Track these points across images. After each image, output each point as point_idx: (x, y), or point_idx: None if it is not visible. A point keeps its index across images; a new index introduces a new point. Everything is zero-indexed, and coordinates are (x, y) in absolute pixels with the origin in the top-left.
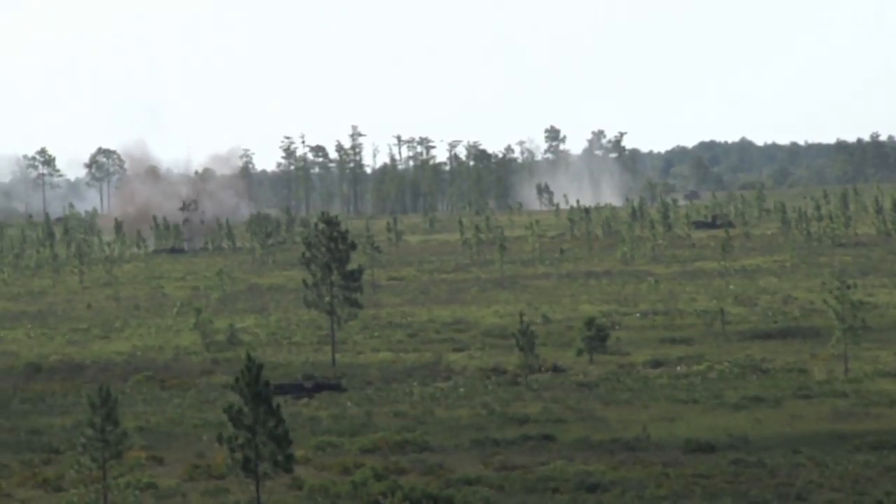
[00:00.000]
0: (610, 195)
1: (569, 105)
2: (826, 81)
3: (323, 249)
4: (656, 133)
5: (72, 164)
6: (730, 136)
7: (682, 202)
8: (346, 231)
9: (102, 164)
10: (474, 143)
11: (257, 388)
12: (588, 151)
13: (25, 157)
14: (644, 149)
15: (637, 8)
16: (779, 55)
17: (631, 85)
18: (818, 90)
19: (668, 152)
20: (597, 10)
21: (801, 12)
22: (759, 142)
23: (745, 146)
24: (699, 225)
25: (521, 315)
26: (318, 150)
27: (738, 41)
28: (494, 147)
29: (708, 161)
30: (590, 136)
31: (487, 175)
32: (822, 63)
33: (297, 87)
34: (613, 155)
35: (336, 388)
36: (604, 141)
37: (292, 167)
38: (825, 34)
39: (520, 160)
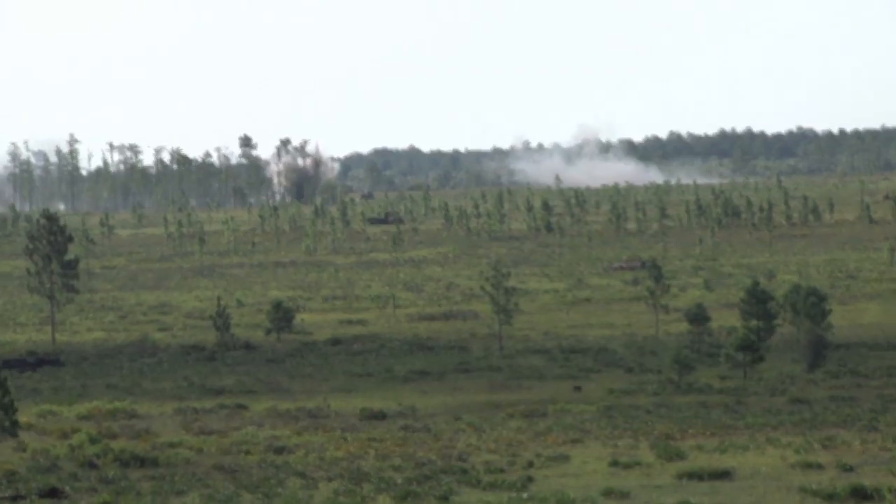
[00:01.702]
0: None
1: (260, 114)
2: (472, 93)
3: (44, 242)
4: (336, 140)
5: None
6: (400, 143)
7: (358, 201)
8: (65, 226)
9: None
10: (177, 148)
11: None
12: (275, 157)
13: None
14: (325, 154)
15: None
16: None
17: (312, 96)
18: (470, 102)
19: (346, 157)
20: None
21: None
22: (426, 149)
23: (413, 153)
24: (373, 221)
25: (219, 299)
26: (40, 154)
27: (403, 58)
28: (195, 152)
29: (381, 166)
30: (277, 143)
31: (189, 177)
32: (468, 74)
33: (19, 96)
34: (299, 160)
35: (56, 363)
36: (290, 147)
37: (17, 169)
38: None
39: (217, 164)
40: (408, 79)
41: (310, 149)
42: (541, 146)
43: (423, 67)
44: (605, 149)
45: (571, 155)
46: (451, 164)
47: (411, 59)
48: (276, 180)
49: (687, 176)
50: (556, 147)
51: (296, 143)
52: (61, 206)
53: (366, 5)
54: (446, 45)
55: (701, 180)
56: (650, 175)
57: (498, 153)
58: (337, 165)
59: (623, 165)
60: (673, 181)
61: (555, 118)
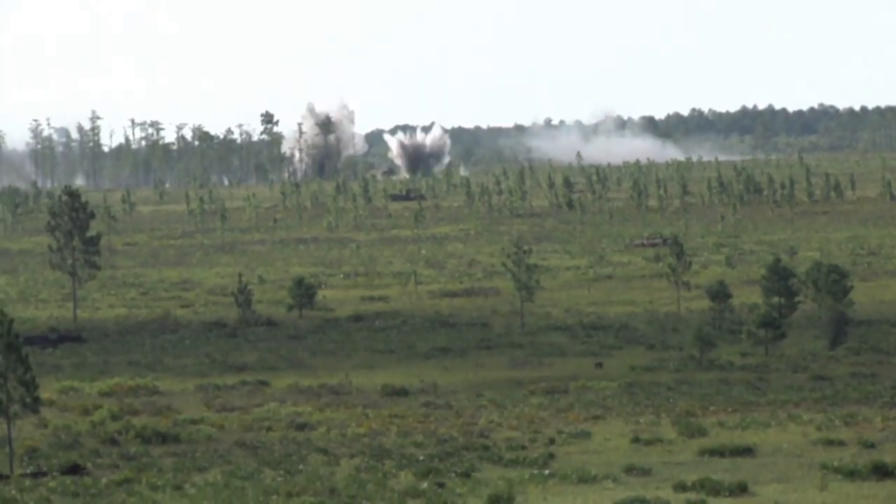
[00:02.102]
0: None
1: (282, 92)
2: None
3: (66, 218)
4: (359, 117)
5: None
6: (422, 120)
7: (380, 178)
8: (86, 202)
9: None
10: (199, 125)
11: (8, 339)
12: (296, 133)
13: None
14: (349, 130)
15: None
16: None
17: (334, 73)
18: (491, 78)
19: (368, 134)
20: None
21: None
22: (448, 125)
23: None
24: (395, 198)
25: (240, 276)
26: (62, 131)
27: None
28: (216, 129)
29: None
30: (300, 119)
31: (211, 153)
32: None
33: (43, 71)
34: (318, 136)
35: (77, 339)
36: (315, 116)
37: (39, 146)
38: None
39: (238, 141)
40: (429, 55)
41: (339, 116)
42: (563, 122)
43: (444, 44)
44: (622, 125)
45: (588, 132)
46: (472, 141)
47: (434, 37)
48: (297, 157)
49: (707, 153)
50: (577, 124)
51: (321, 115)
52: (83, 183)
53: None
54: (468, 22)
55: (722, 157)
56: (668, 152)
57: (517, 130)
58: (362, 142)
59: (641, 142)
60: (694, 158)
61: (573, 95)
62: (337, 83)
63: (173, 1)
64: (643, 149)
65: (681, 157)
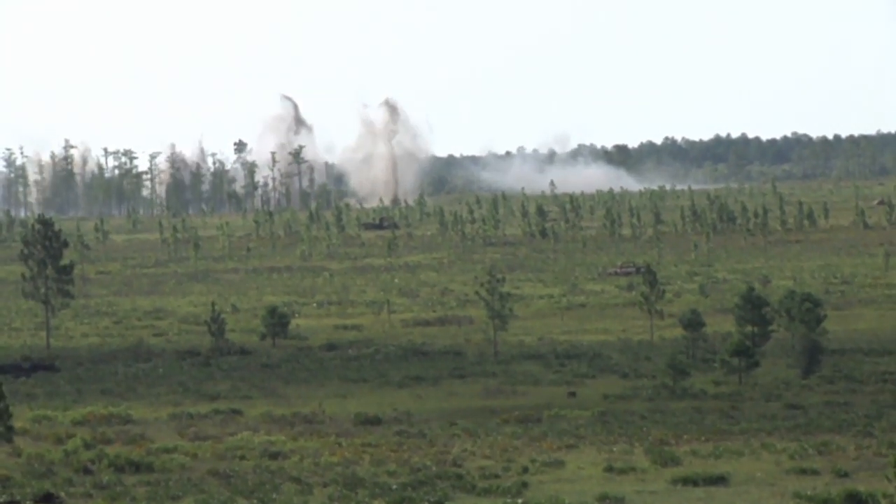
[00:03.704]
0: (294, 201)
1: (253, 121)
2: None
3: (39, 247)
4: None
5: None
6: None
7: (353, 206)
8: (59, 231)
9: None
10: (172, 153)
11: None
12: (271, 162)
13: None
14: (330, 159)
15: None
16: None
17: (307, 101)
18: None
19: (349, 161)
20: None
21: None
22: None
23: None
24: (368, 226)
25: (213, 305)
26: (34, 160)
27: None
28: (189, 157)
29: None
30: (274, 149)
31: (183, 182)
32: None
33: (13, 100)
34: (292, 165)
35: (51, 368)
36: (286, 152)
37: (12, 174)
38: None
39: (212, 169)
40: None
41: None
42: (521, 150)
43: (396, 74)
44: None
45: (543, 162)
46: (445, 169)
47: (390, 66)
48: (269, 185)
49: (666, 181)
50: (534, 153)
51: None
52: (55, 212)
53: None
54: (424, 52)
55: (681, 186)
56: (623, 181)
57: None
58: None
59: (597, 171)
60: (655, 186)
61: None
62: (308, 110)
63: (146, 30)
64: (597, 177)
65: (638, 185)
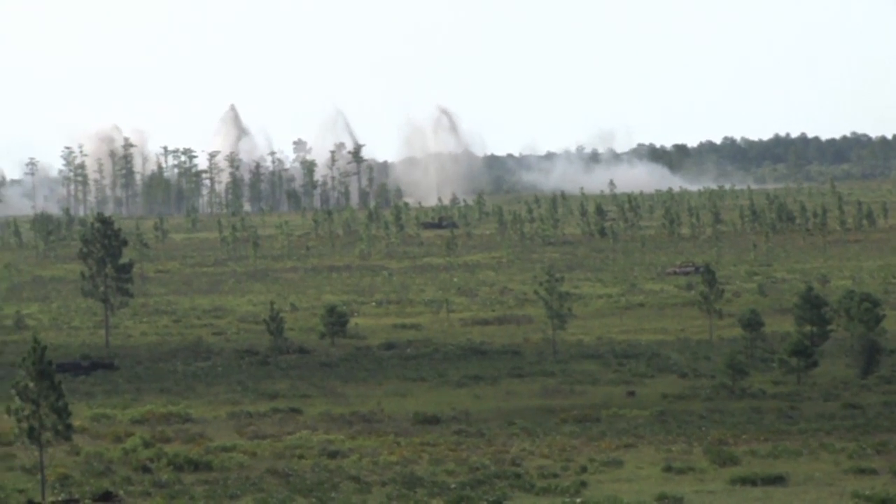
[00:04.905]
0: (353, 199)
1: (314, 117)
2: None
3: (98, 245)
4: (390, 144)
5: None
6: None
7: (412, 205)
8: (119, 229)
9: None
10: (232, 153)
11: (41, 366)
12: (330, 161)
13: None
14: (381, 158)
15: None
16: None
17: (355, 99)
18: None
19: (400, 162)
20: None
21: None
22: (481, 153)
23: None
24: (427, 225)
25: (272, 304)
26: (94, 158)
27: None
28: (250, 156)
29: None
30: (332, 148)
31: (243, 181)
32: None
33: (75, 98)
34: (351, 164)
35: (109, 366)
36: (344, 152)
37: (72, 173)
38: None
39: (271, 168)
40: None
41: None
42: (566, 152)
43: (435, 74)
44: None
45: (586, 160)
46: (504, 168)
47: (435, 64)
48: (328, 184)
49: (714, 182)
50: (578, 152)
51: (349, 146)
52: (115, 210)
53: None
54: (464, 52)
55: (754, 186)
56: (667, 181)
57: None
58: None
59: (640, 170)
60: (712, 187)
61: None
62: (358, 110)
63: (209, 31)
64: (642, 177)
65: (685, 185)
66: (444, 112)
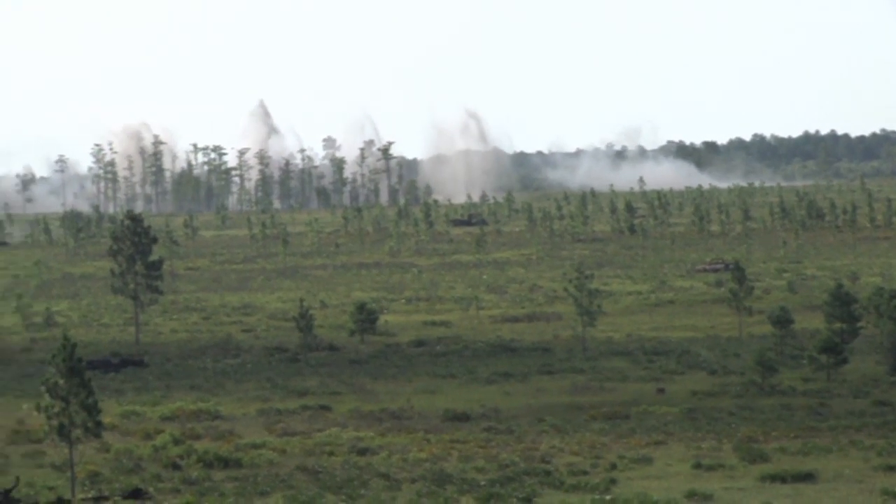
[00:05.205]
0: (383, 196)
1: (342, 116)
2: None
3: (128, 243)
4: (417, 141)
5: None
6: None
7: (441, 202)
8: (149, 227)
9: None
10: (261, 150)
11: (71, 363)
12: (359, 158)
13: None
14: (409, 156)
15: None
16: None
17: (380, 99)
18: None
19: (428, 160)
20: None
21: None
22: (509, 150)
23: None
24: (457, 223)
25: (301, 301)
26: (123, 155)
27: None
28: (279, 154)
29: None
30: (361, 145)
31: (272, 178)
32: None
33: (103, 95)
34: (381, 161)
35: (139, 363)
36: (374, 149)
37: (101, 171)
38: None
39: (301, 165)
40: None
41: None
42: (595, 149)
43: (466, 72)
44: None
45: (612, 158)
46: (533, 166)
47: (462, 62)
48: (358, 182)
49: (741, 179)
50: (607, 149)
51: (378, 144)
52: (145, 207)
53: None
54: (492, 50)
55: (784, 183)
56: (694, 178)
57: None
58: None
59: (667, 167)
60: (742, 184)
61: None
62: (383, 109)
63: (233, 30)
64: (669, 174)
65: (713, 182)
66: (472, 115)
